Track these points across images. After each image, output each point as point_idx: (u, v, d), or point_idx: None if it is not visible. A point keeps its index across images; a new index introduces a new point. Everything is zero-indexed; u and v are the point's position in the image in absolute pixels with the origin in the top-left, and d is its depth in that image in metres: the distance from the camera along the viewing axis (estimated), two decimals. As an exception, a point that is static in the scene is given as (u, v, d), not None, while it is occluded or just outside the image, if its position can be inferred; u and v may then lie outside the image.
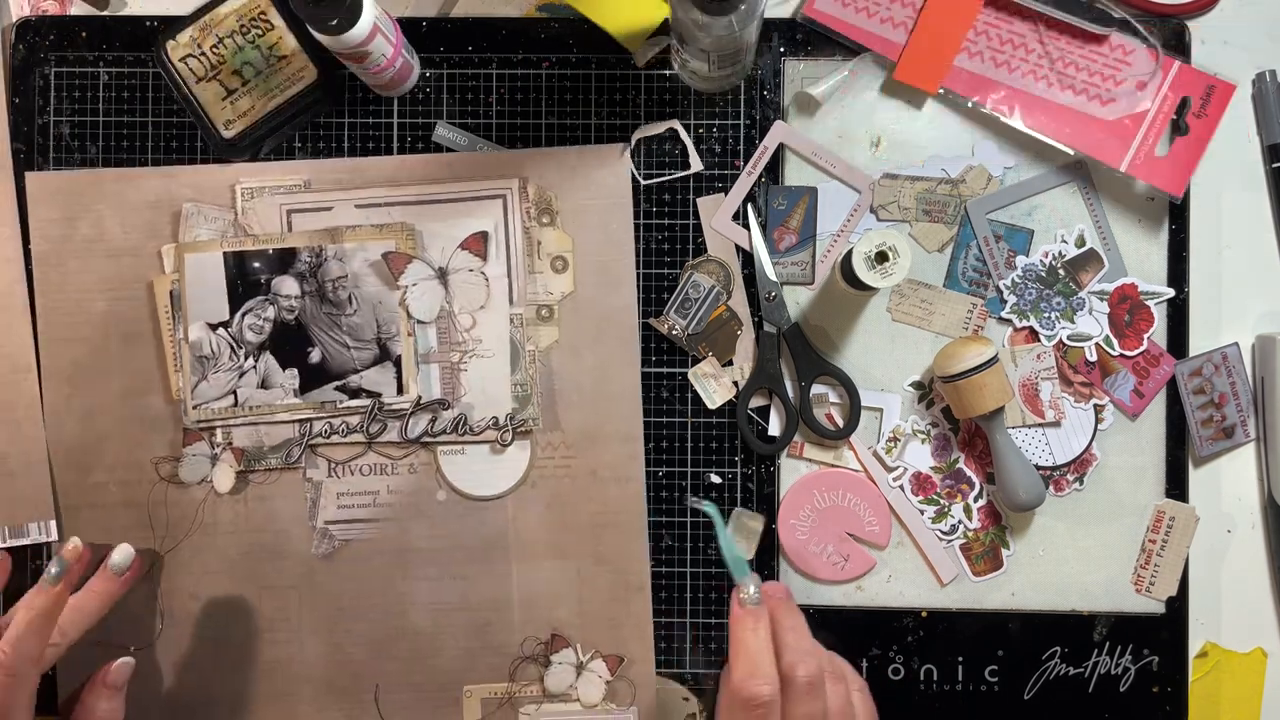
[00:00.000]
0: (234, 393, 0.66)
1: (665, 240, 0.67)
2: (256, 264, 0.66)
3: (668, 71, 0.68)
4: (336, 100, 0.68)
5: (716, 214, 0.67)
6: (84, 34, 0.68)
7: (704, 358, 0.67)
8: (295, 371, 0.66)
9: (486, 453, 0.67)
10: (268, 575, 0.67)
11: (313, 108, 0.66)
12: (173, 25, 0.65)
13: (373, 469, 0.67)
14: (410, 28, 0.68)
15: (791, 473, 0.67)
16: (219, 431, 0.67)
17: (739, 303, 0.67)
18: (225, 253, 0.66)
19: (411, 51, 0.66)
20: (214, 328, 0.66)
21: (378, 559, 0.67)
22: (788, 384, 0.67)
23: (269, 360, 0.66)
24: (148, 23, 0.68)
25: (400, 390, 0.66)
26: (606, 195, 0.67)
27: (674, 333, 0.67)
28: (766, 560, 0.67)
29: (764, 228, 0.67)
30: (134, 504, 0.67)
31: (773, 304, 0.67)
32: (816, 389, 0.67)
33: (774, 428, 0.67)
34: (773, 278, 0.67)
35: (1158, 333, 0.67)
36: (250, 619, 0.67)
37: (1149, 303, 0.67)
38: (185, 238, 0.67)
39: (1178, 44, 0.67)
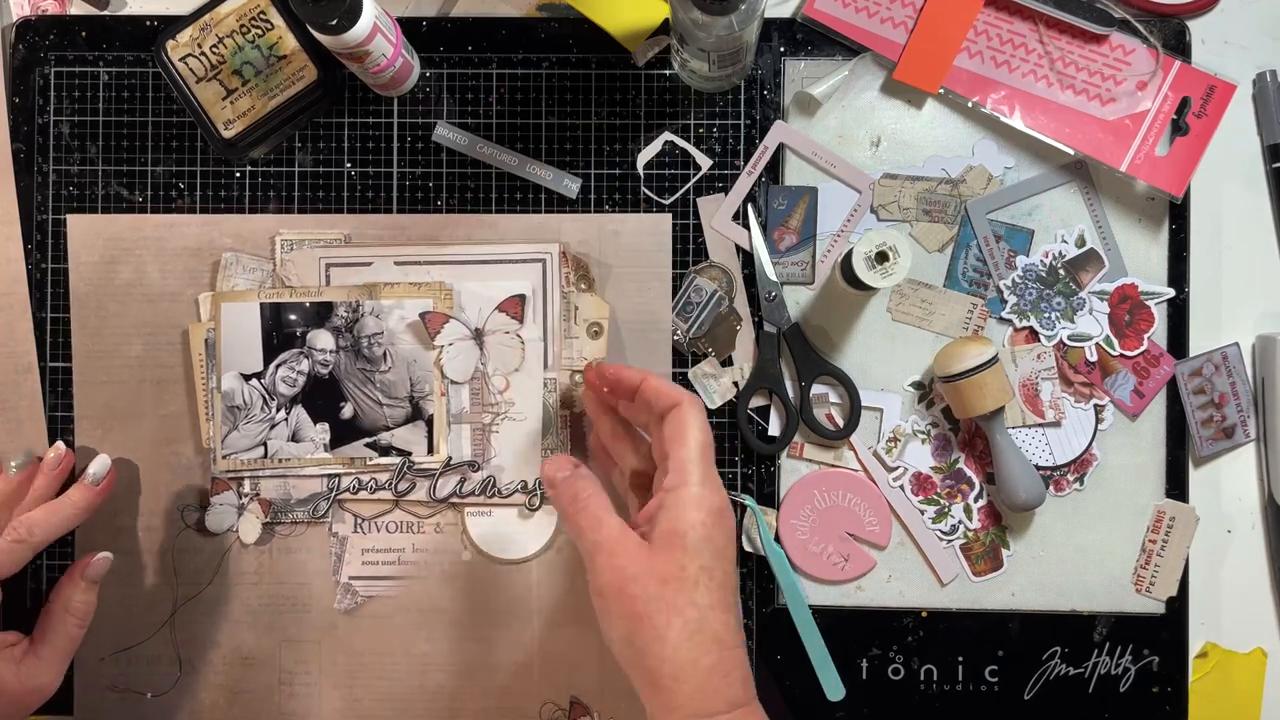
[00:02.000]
0: (264, 444, 0.66)
1: (665, 240, 0.67)
2: (293, 316, 0.66)
3: (668, 71, 0.68)
4: (336, 100, 0.68)
5: (717, 214, 0.67)
6: (84, 34, 0.68)
7: (704, 355, 0.67)
8: (326, 426, 0.66)
9: (513, 516, 0.67)
10: (289, 627, 0.67)
11: (313, 108, 0.66)
12: (173, 25, 0.65)
13: (399, 526, 0.67)
14: (410, 28, 0.68)
15: (792, 473, 0.67)
16: (247, 482, 0.67)
17: (739, 301, 0.67)
18: (262, 303, 0.66)
19: (411, 51, 0.66)
20: (247, 378, 0.66)
21: (400, 616, 0.67)
22: (788, 384, 0.67)
23: (300, 413, 0.66)
24: (148, 23, 0.68)
25: (430, 450, 0.66)
26: (646, 264, 0.67)
27: (675, 336, 0.67)
28: (767, 560, 0.67)
29: (764, 227, 0.67)
30: (158, 550, 0.67)
31: (773, 304, 0.66)
32: (816, 389, 0.67)
33: (774, 428, 0.67)
34: (773, 277, 0.67)
35: (1158, 333, 0.67)
36: (270, 670, 0.67)
37: (1149, 303, 0.67)
38: (223, 286, 0.67)
39: (1178, 44, 0.67)
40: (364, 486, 0.66)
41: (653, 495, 0.56)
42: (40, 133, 0.68)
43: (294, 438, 0.66)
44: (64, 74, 0.68)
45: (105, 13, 0.69)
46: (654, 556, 0.53)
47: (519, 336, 0.66)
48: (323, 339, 0.66)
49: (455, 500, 0.67)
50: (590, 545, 0.55)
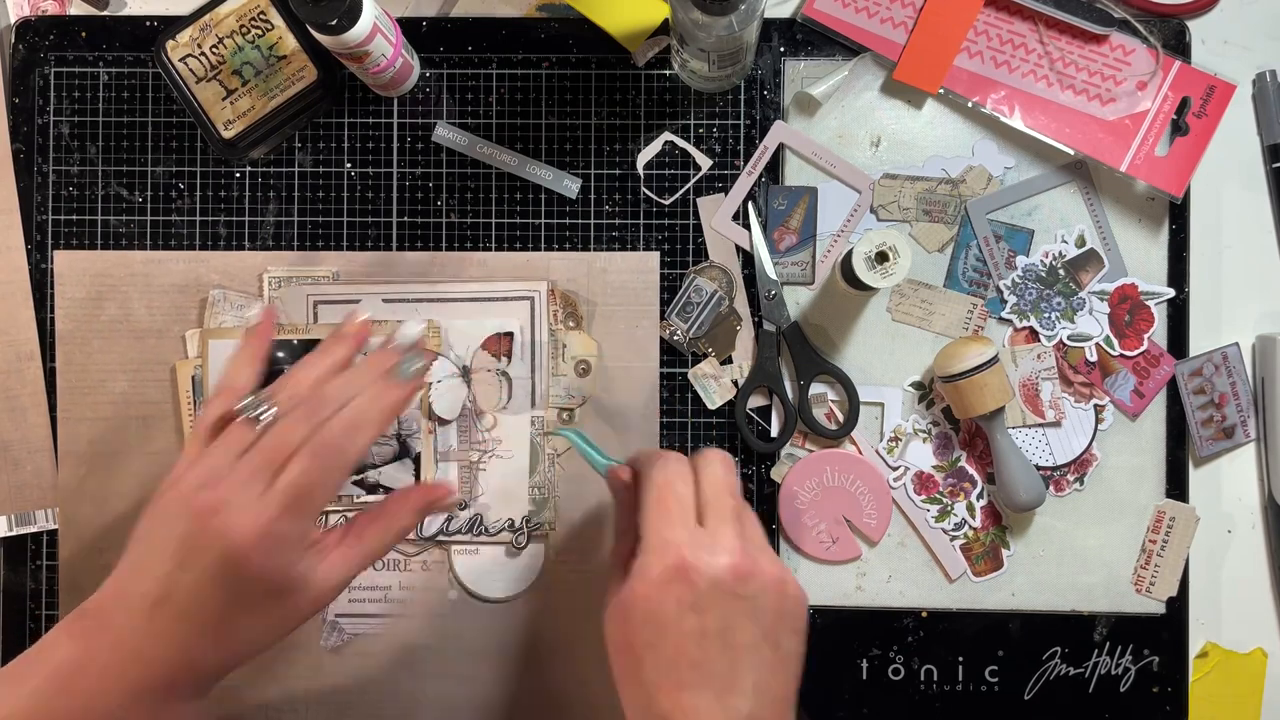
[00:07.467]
0: None
1: (665, 240, 0.67)
2: (280, 354, 0.66)
3: (668, 71, 0.68)
4: (336, 100, 0.68)
5: (717, 214, 0.67)
6: (84, 34, 0.68)
7: (704, 355, 0.67)
8: None
9: (500, 554, 0.67)
10: (276, 665, 0.67)
11: (313, 108, 0.66)
12: (172, 25, 0.65)
13: (385, 564, 0.67)
14: (410, 28, 0.68)
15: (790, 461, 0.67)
16: None
17: (739, 301, 0.67)
18: None
19: (411, 51, 0.66)
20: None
21: (386, 655, 0.67)
22: (786, 383, 0.67)
23: None
24: (148, 23, 0.68)
25: None
26: (634, 302, 0.67)
27: (675, 337, 0.67)
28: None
29: (764, 227, 0.67)
30: None
31: (772, 302, 0.66)
32: (816, 388, 0.67)
33: (775, 428, 0.67)
34: (773, 276, 0.67)
35: (1158, 333, 0.67)
36: (256, 709, 0.67)
37: (1149, 303, 0.67)
38: (210, 323, 0.67)
39: (1178, 44, 0.67)
40: None
41: None
42: (40, 133, 0.68)
43: None
44: (64, 74, 0.68)
45: (105, 13, 0.69)
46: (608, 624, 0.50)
47: (507, 374, 0.66)
48: None
49: (442, 538, 0.66)
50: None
